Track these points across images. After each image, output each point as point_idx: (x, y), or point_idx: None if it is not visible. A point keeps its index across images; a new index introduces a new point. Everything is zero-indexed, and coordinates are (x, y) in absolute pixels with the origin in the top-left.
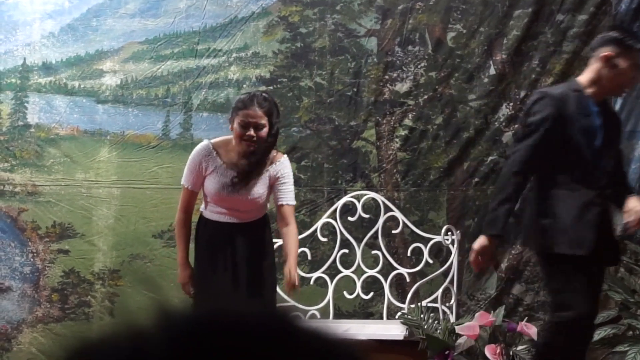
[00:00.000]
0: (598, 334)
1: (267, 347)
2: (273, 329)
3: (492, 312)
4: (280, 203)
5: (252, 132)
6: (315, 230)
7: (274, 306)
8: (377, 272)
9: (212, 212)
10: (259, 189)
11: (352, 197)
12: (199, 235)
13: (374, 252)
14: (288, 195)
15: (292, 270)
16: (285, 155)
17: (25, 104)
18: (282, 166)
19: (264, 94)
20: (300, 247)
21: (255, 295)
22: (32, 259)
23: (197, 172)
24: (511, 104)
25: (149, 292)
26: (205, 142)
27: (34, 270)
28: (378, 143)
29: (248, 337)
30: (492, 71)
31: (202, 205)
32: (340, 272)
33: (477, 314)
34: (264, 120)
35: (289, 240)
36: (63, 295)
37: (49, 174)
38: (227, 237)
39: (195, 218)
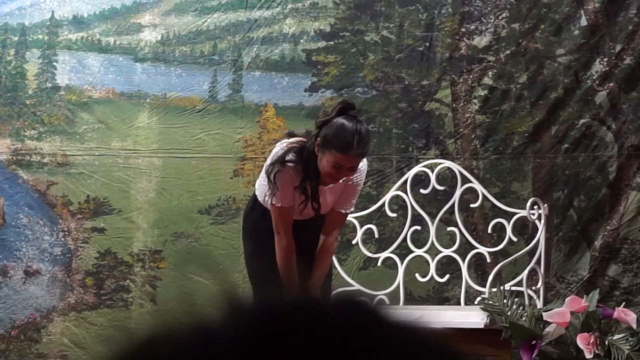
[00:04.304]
0: None
1: (353, 343)
2: (356, 321)
3: (584, 296)
4: (338, 210)
5: (344, 174)
6: (383, 204)
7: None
8: (454, 251)
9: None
10: (331, 198)
11: (424, 166)
12: (261, 223)
13: (449, 228)
14: (350, 203)
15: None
16: (365, 159)
17: (54, 64)
18: (361, 175)
19: (364, 127)
20: (366, 223)
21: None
22: (63, 239)
23: (291, 191)
24: (605, 59)
25: (197, 276)
26: (291, 165)
27: (65, 251)
28: (454, 105)
29: (330, 332)
30: (583, 22)
31: (264, 195)
32: (412, 251)
33: (567, 299)
34: (359, 162)
35: (323, 254)
36: (98, 280)
37: (82, 142)
38: (299, 228)
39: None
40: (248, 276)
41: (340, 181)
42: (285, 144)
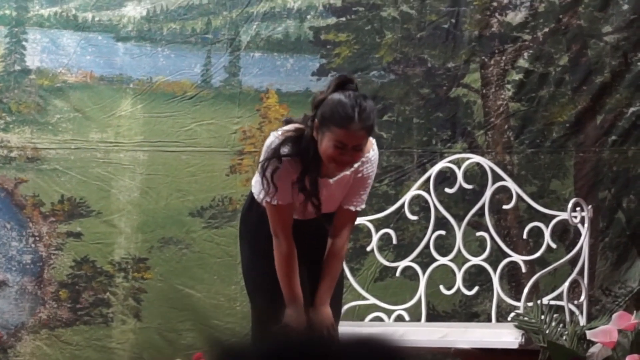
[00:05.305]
0: None
1: None
2: None
3: (634, 312)
4: (347, 207)
5: (349, 155)
6: (402, 205)
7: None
8: (484, 260)
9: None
10: (337, 194)
11: (450, 161)
12: (260, 227)
13: (479, 233)
14: (360, 199)
15: (325, 313)
16: (374, 144)
17: (23, 43)
18: (371, 165)
19: (365, 100)
20: (382, 228)
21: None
22: (33, 245)
23: (290, 187)
24: None
25: (188, 288)
26: (288, 159)
27: (36, 259)
28: (484, 91)
29: None
30: None
31: (261, 194)
32: (435, 260)
33: (614, 315)
34: (365, 139)
35: (332, 259)
36: (74, 292)
37: (55, 133)
38: (302, 230)
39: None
40: (246, 288)
41: (348, 172)
42: (280, 133)
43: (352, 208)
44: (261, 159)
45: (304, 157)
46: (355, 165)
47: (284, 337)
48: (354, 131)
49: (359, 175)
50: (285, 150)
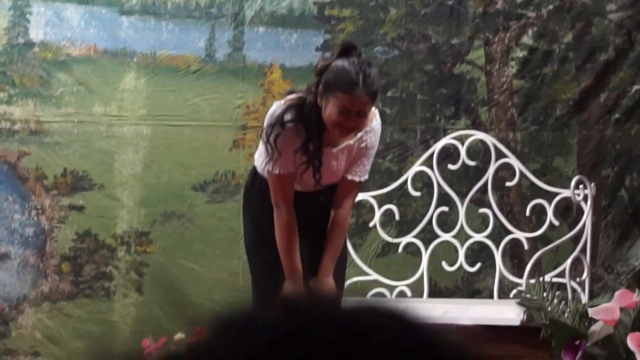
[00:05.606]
0: None
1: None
2: (376, 336)
3: (636, 290)
4: (350, 178)
5: (353, 121)
6: (406, 181)
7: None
8: (486, 236)
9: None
10: (341, 164)
11: (453, 138)
12: (263, 201)
13: (481, 210)
14: (364, 169)
15: (328, 284)
16: (377, 114)
17: (27, 16)
18: (374, 135)
19: (369, 66)
20: (385, 203)
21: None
22: (35, 218)
23: (292, 156)
24: None
25: (190, 262)
26: (291, 125)
27: (39, 232)
28: (488, 68)
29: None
30: None
31: (263, 163)
32: (438, 236)
33: (617, 293)
34: (369, 105)
35: (334, 230)
36: (76, 265)
37: (58, 106)
38: (304, 201)
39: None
40: (248, 263)
41: (351, 142)
42: (283, 102)
43: (356, 178)
44: (264, 126)
45: (306, 123)
46: (359, 135)
47: (286, 308)
48: (358, 96)
49: (362, 145)
50: (288, 117)
